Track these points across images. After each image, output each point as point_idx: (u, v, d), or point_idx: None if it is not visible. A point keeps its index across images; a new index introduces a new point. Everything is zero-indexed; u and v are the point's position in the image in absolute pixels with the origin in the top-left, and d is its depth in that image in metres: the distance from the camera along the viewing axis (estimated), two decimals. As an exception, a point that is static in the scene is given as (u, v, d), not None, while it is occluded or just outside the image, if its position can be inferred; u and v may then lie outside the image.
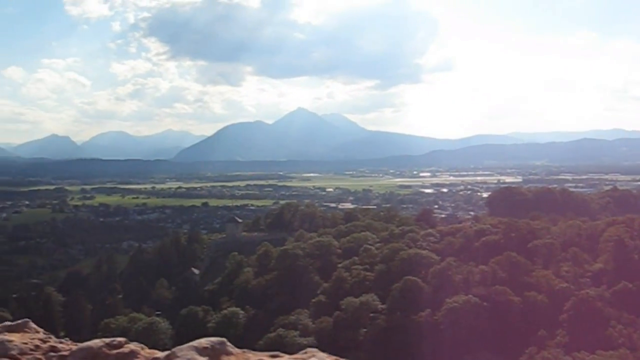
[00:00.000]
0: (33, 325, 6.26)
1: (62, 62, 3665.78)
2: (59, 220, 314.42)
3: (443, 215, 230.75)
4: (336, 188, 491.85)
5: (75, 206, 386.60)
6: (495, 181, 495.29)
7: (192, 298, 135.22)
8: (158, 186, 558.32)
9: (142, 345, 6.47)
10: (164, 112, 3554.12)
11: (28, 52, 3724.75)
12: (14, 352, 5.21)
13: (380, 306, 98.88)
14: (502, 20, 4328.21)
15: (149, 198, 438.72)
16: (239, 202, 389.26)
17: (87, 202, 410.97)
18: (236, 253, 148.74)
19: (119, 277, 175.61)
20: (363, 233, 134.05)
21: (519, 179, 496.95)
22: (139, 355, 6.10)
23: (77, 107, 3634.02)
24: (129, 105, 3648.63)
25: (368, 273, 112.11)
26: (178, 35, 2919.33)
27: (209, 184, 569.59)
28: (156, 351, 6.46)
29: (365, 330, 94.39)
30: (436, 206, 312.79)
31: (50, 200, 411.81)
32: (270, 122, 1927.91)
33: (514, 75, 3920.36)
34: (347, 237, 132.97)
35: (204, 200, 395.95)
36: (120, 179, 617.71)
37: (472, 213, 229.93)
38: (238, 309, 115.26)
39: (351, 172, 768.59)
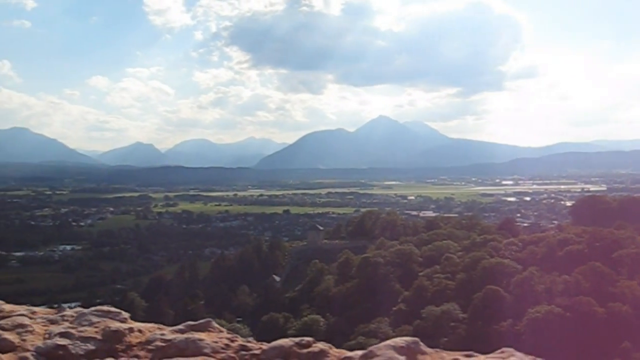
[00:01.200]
0: (216, 324, 6.41)
1: (146, 70, 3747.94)
2: (142, 227, 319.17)
3: (525, 224, 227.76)
4: (417, 196, 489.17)
5: (159, 213, 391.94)
6: (579, 190, 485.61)
7: (273, 305, 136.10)
8: (240, 193, 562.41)
9: (330, 344, 6.44)
10: (246, 120, 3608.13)
11: (112, 62, 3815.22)
12: (207, 351, 5.36)
13: (461, 315, 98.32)
14: (587, 25, 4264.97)
15: (231, 205, 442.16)
16: (321, 210, 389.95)
17: (171, 209, 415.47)
18: (317, 261, 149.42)
19: (201, 283, 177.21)
20: (444, 241, 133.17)
21: (604, 188, 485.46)
22: (329, 354, 6.14)
23: (160, 115, 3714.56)
24: (211, 114, 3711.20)
25: (449, 282, 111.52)
26: (259, 44, 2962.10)
27: (290, 192, 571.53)
28: (344, 350, 6.42)
29: (445, 339, 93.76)
30: (519, 215, 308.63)
31: (134, 207, 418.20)
32: (351, 129, 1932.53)
33: (598, 81, 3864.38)
34: (429, 246, 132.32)
35: (285, 208, 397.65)
36: (203, 187, 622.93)
37: (555, 222, 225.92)
38: (318, 316, 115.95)
39: (433, 180, 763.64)
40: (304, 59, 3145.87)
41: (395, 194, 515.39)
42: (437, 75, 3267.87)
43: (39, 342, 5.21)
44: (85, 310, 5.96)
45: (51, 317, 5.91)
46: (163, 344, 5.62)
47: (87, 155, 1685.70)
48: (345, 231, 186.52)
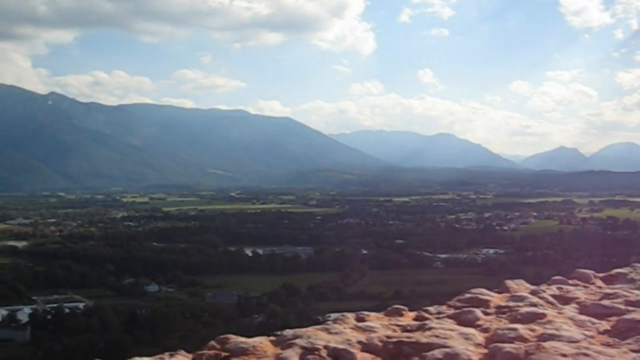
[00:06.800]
0: None
1: (567, 73, 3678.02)
2: (565, 232, 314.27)
3: None
4: None
5: (583, 218, 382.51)
6: None
7: None
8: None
9: None
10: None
11: (532, 66, 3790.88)
12: None
13: None
14: None
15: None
16: None
17: (595, 214, 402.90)
18: None
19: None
20: None
21: None
22: None
23: (583, 118, 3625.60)
24: (637, 116, 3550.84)
25: None
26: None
27: None
28: None
29: None
30: None
31: (558, 212, 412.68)
32: None
33: None
34: None
35: None
36: (629, 192, 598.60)
37: None
38: None
39: None
40: None
41: None
42: None
43: None
44: None
45: None
46: None
47: (511, 160, 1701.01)
48: None
